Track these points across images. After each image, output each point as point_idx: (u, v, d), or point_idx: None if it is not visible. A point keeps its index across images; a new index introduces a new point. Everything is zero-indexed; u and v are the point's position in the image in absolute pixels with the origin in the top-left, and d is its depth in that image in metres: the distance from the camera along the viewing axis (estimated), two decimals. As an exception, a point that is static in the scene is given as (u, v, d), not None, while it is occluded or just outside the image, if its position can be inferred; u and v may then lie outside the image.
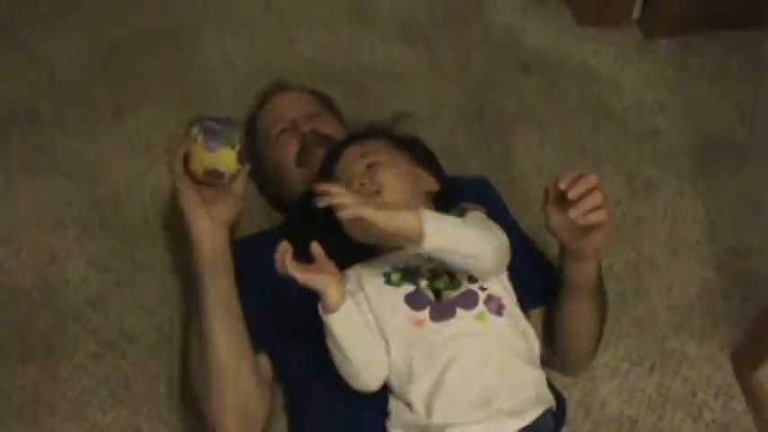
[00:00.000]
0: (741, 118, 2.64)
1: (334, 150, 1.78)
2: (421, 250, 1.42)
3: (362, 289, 1.60)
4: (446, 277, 1.57)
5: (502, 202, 2.03)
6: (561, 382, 1.91)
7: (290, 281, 1.50)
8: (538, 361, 1.63)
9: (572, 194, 1.49)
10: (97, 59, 2.62)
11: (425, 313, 1.54)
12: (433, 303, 1.54)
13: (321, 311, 1.50)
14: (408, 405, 1.53)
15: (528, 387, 1.55)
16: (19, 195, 2.28)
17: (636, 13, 2.90)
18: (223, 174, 1.67)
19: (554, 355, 1.83)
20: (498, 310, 1.56)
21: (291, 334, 1.73)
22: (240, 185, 1.74)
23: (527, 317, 1.68)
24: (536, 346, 1.63)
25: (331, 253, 1.59)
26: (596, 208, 1.51)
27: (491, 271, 1.56)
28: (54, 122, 2.44)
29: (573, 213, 1.50)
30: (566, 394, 1.80)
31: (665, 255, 2.28)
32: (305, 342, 1.64)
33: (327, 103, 2.20)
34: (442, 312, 1.54)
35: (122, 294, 2.11)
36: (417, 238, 1.41)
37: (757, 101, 2.69)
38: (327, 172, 1.75)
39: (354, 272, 1.64)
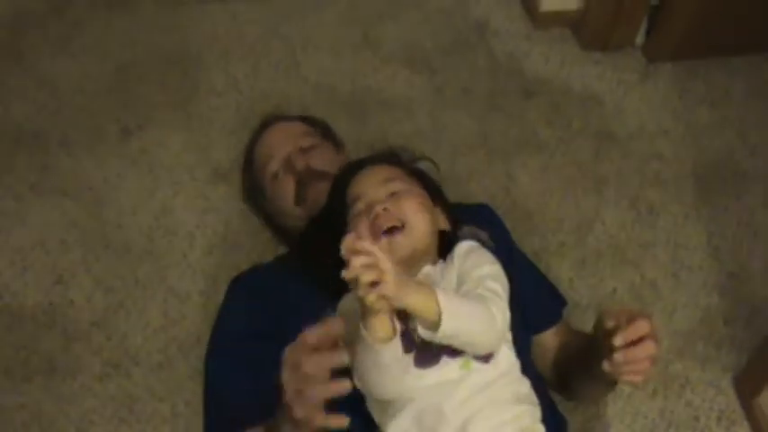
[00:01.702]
0: (743, 143, 2.65)
1: (351, 169, 1.75)
2: (432, 337, 1.38)
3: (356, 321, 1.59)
4: None
5: (505, 227, 2.03)
6: (564, 405, 1.91)
7: (302, 314, 1.48)
8: (528, 397, 1.57)
9: (617, 342, 1.40)
10: (103, 82, 2.63)
11: (410, 358, 1.48)
12: (419, 348, 1.48)
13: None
14: None
15: (506, 427, 1.50)
16: (25, 216, 2.29)
17: (639, 38, 2.92)
18: None
19: (557, 386, 1.82)
20: (485, 357, 1.51)
21: None
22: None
23: (537, 339, 1.67)
24: (526, 384, 1.57)
25: (334, 282, 1.59)
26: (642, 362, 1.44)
27: (490, 350, 1.50)
28: (60, 144, 2.45)
29: (607, 367, 1.43)
30: (568, 418, 1.80)
31: (667, 279, 2.28)
32: None
33: (324, 132, 2.18)
34: (426, 359, 1.49)
35: (127, 315, 2.12)
36: (434, 325, 1.36)
37: (759, 126, 2.71)
38: (337, 192, 1.73)
39: (349, 301, 1.61)
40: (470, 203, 2.12)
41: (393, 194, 1.64)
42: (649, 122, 2.69)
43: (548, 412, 1.60)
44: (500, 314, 1.45)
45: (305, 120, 2.19)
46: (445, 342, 1.39)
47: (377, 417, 1.55)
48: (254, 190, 2.16)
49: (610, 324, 1.42)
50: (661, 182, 2.52)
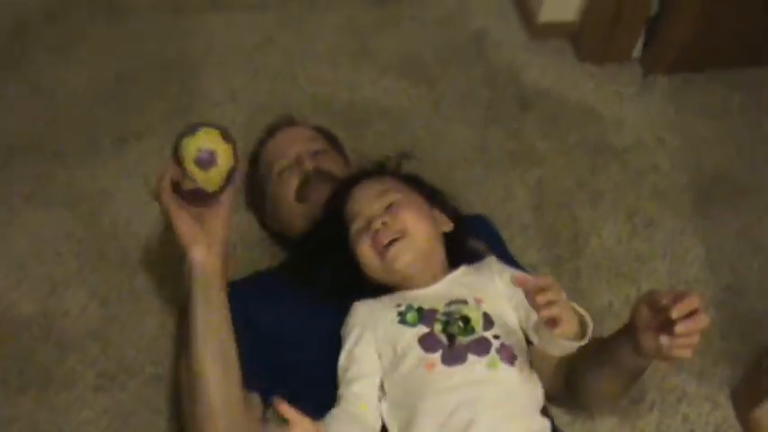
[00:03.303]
0: (740, 156, 2.65)
1: (344, 186, 1.79)
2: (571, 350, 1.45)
3: (374, 325, 1.60)
4: (460, 323, 1.57)
5: (501, 239, 2.04)
6: (560, 419, 1.91)
7: (284, 326, 1.51)
8: (542, 407, 1.62)
9: (675, 314, 1.41)
10: (99, 91, 2.63)
11: (437, 356, 1.53)
12: (445, 347, 1.54)
13: None
14: None
15: None
16: (20, 226, 2.28)
17: (637, 50, 2.92)
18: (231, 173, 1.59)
19: (566, 395, 1.82)
20: (510, 359, 1.55)
21: (285, 376, 1.71)
22: (228, 196, 1.64)
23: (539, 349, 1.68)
24: (542, 395, 1.62)
25: (340, 287, 1.61)
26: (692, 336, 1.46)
27: None
28: (56, 154, 2.44)
29: (665, 341, 1.45)
30: (565, 432, 1.81)
31: (664, 293, 2.28)
32: (298, 384, 1.63)
33: (333, 142, 2.21)
34: (453, 357, 1.53)
35: (122, 326, 2.11)
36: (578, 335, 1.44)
37: (757, 139, 2.71)
38: (334, 208, 1.75)
39: (366, 306, 1.65)
40: (466, 215, 2.12)
41: (390, 206, 1.68)
42: (646, 135, 2.69)
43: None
44: None
45: (318, 129, 2.21)
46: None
47: (398, 425, 1.56)
48: (255, 188, 2.15)
49: (665, 300, 1.43)
50: (658, 195, 2.52)
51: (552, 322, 1.40)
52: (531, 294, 1.39)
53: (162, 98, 2.63)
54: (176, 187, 1.59)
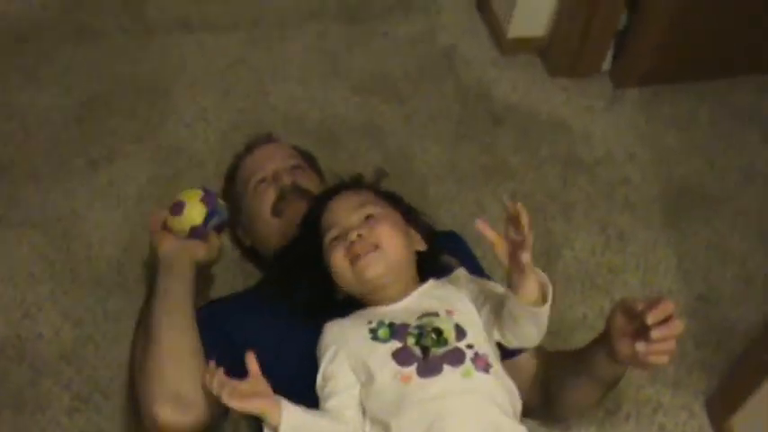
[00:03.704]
0: (711, 167, 2.67)
1: (323, 197, 1.80)
2: None
3: (346, 343, 1.61)
4: (433, 335, 1.57)
5: (473, 255, 2.04)
6: (535, 431, 1.91)
7: (261, 343, 1.52)
8: (519, 416, 1.62)
9: (651, 320, 1.46)
10: (71, 113, 2.62)
11: (412, 369, 1.53)
12: (420, 360, 1.53)
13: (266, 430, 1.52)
14: None
15: None
16: (-8, 249, 2.27)
17: (606, 64, 2.94)
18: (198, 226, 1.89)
19: (542, 408, 1.83)
20: (485, 368, 1.55)
21: None
22: (214, 238, 1.91)
23: (513, 363, 1.69)
24: (519, 403, 1.62)
25: (313, 303, 1.61)
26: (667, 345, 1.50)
27: None
28: (27, 175, 2.43)
29: (642, 347, 1.49)
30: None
31: (638, 304, 2.29)
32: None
33: (310, 161, 2.22)
34: (429, 369, 1.53)
35: (96, 348, 2.10)
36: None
37: (726, 150, 2.73)
38: (311, 220, 1.76)
39: (337, 325, 1.65)
40: (439, 231, 2.12)
41: (367, 218, 1.69)
42: (617, 148, 2.71)
43: None
44: None
45: (295, 147, 2.23)
46: None
47: None
48: (231, 204, 2.16)
49: (640, 306, 1.48)
50: (630, 207, 2.53)
51: (519, 269, 1.45)
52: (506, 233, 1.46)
53: (133, 119, 2.63)
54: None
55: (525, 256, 1.44)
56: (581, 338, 1.80)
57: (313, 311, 1.72)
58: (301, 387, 1.61)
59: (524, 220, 1.43)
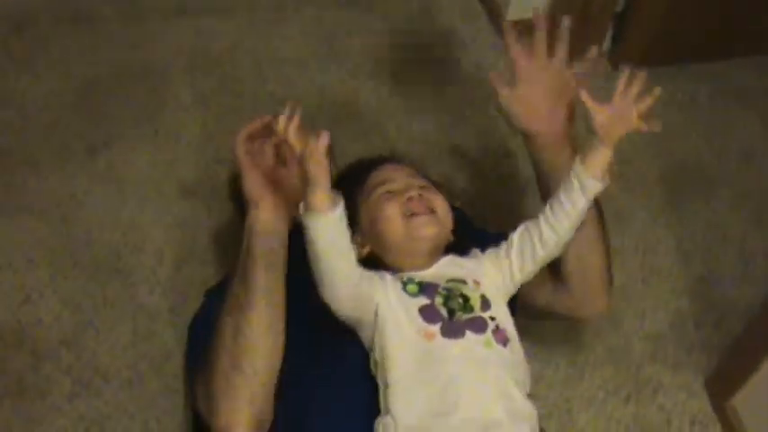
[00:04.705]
0: (710, 148, 2.67)
1: (365, 163, 1.83)
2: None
3: (382, 278, 1.60)
4: (460, 299, 1.58)
5: (480, 228, 2.04)
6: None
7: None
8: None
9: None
10: (69, 99, 2.61)
11: (437, 328, 1.53)
12: (445, 320, 1.54)
13: (305, 210, 1.47)
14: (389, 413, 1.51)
15: (526, 419, 1.53)
16: (-9, 235, 2.27)
17: (605, 45, 2.93)
18: None
19: (563, 294, 1.82)
20: (504, 341, 1.56)
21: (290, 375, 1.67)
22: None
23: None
24: (529, 382, 1.61)
25: None
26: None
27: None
28: (26, 161, 2.43)
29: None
30: (544, 425, 1.80)
31: (637, 284, 2.29)
32: (299, 383, 1.63)
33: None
34: (452, 331, 1.53)
35: (96, 333, 2.10)
36: None
37: (725, 130, 2.73)
38: (350, 181, 1.75)
39: (378, 273, 1.63)
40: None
41: (422, 188, 1.69)
42: (616, 129, 2.70)
43: None
44: None
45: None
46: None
47: (392, 399, 1.53)
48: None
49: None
50: (629, 187, 2.53)
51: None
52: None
53: (131, 104, 2.62)
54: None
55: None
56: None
57: None
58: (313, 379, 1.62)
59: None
